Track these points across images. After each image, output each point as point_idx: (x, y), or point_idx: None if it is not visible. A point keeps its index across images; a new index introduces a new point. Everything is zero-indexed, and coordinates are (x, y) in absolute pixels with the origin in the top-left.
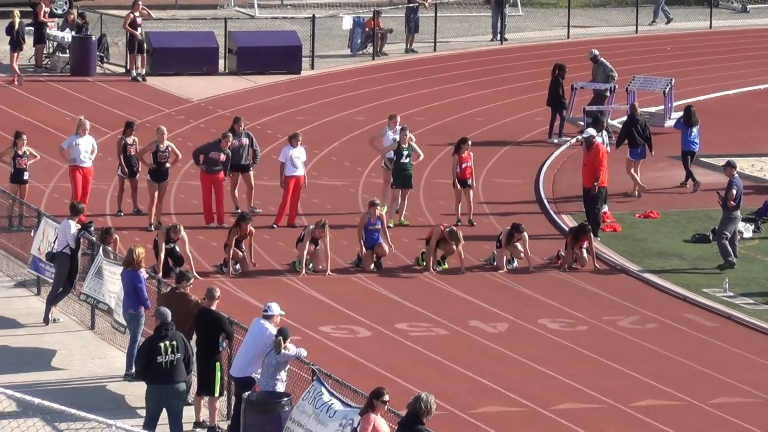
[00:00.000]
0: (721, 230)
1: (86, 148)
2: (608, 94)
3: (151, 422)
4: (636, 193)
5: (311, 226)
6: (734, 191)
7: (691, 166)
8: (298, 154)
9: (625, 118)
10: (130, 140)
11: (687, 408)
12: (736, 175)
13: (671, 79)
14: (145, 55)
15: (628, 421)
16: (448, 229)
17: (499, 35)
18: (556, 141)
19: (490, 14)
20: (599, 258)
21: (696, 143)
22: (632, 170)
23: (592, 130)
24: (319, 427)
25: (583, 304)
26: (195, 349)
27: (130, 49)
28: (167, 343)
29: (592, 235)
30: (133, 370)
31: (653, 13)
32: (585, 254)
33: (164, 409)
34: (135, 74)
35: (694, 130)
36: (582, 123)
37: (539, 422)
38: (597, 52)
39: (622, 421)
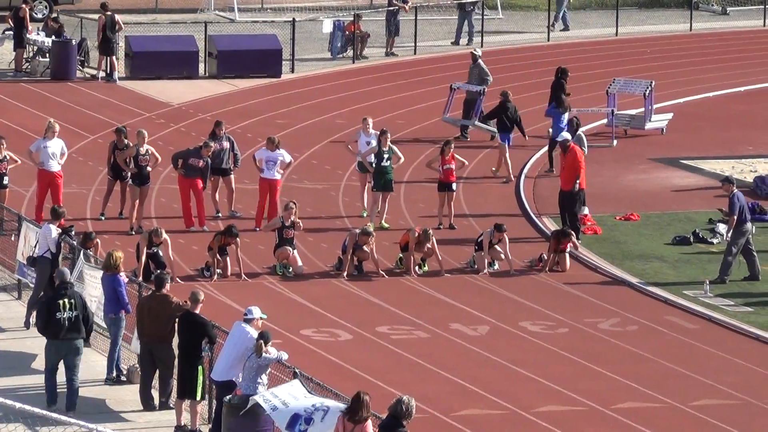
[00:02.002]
0: (730, 246)
1: (54, 151)
2: (479, 96)
3: (50, 374)
4: (496, 171)
5: (278, 218)
6: (736, 209)
7: (554, 151)
8: (273, 157)
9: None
10: (120, 145)
11: (668, 410)
12: (735, 190)
13: (651, 82)
14: (113, 57)
15: (609, 424)
16: (422, 230)
17: (467, 38)
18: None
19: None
20: (580, 261)
21: (563, 130)
22: (504, 153)
23: (567, 134)
24: (292, 400)
25: (564, 307)
26: (177, 352)
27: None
28: (65, 300)
29: (571, 238)
30: (114, 374)
31: (554, 18)
32: (566, 258)
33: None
34: (107, 75)
35: (563, 117)
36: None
37: (520, 425)
38: (479, 53)
39: (603, 423)
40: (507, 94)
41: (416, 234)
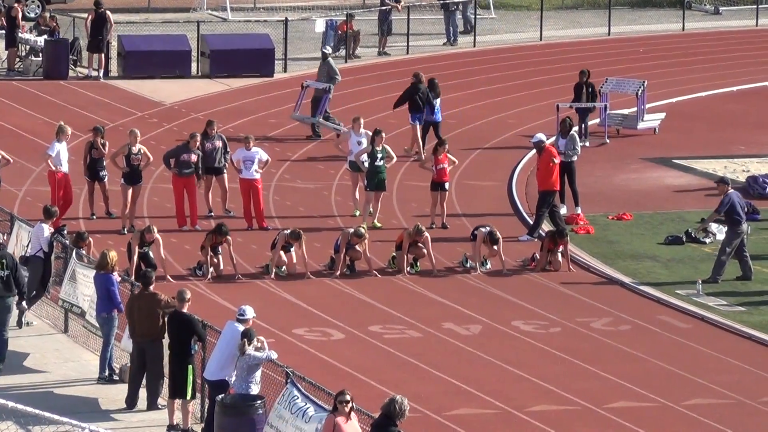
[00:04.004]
0: (725, 246)
1: (65, 153)
2: (325, 93)
3: None
4: (414, 153)
5: (285, 231)
6: (722, 209)
7: (439, 133)
8: (250, 156)
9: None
10: (97, 144)
11: (661, 409)
12: (730, 190)
13: (644, 81)
14: (102, 55)
15: (602, 423)
16: (413, 226)
17: (452, 38)
18: (587, 144)
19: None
20: (573, 260)
21: (437, 112)
22: (416, 133)
23: (541, 135)
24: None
25: (557, 306)
26: (168, 352)
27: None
28: None
29: (567, 239)
30: (107, 373)
31: (451, 34)
32: (560, 257)
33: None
34: (98, 74)
35: (437, 101)
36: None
37: (513, 424)
38: (328, 51)
39: (596, 422)
40: (419, 75)
41: (410, 233)
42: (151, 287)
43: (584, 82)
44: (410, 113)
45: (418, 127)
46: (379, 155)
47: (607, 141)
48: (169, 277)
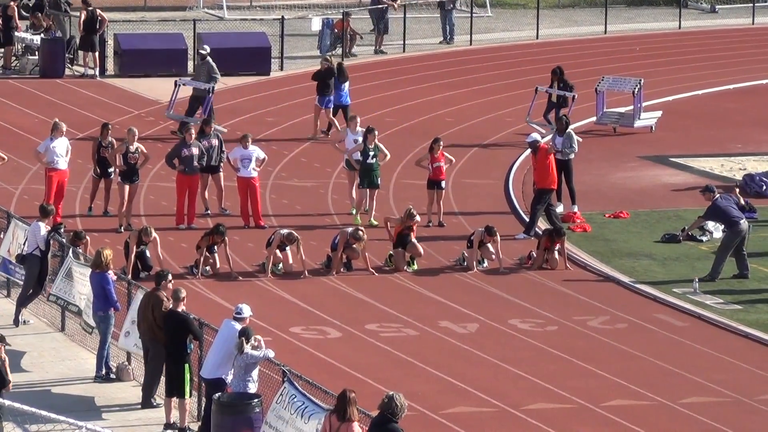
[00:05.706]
0: (725, 245)
1: (61, 150)
2: (208, 94)
3: None
4: (317, 136)
5: (282, 232)
6: (708, 216)
7: (338, 116)
8: (247, 154)
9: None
10: (105, 142)
11: (657, 408)
12: (717, 196)
13: (640, 80)
14: (96, 54)
15: (599, 421)
16: (405, 210)
17: (449, 36)
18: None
19: (461, 16)
20: (569, 259)
21: (345, 96)
22: (320, 113)
23: (536, 135)
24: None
25: (554, 305)
26: (165, 352)
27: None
28: None
29: (564, 237)
30: (103, 372)
31: (447, 33)
32: (556, 255)
33: None
34: (94, 73)
35: (345, 85)
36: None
37: (510, 422)
38: (207, 51)
39: (593, 421)
40: (330, 59)
41: (402, 218)
42: (163, 289)
43: (558, 79)
44: (319, 96)
45: (328, 110)
46: (371, 153)
47: (580, 140)
48: None
